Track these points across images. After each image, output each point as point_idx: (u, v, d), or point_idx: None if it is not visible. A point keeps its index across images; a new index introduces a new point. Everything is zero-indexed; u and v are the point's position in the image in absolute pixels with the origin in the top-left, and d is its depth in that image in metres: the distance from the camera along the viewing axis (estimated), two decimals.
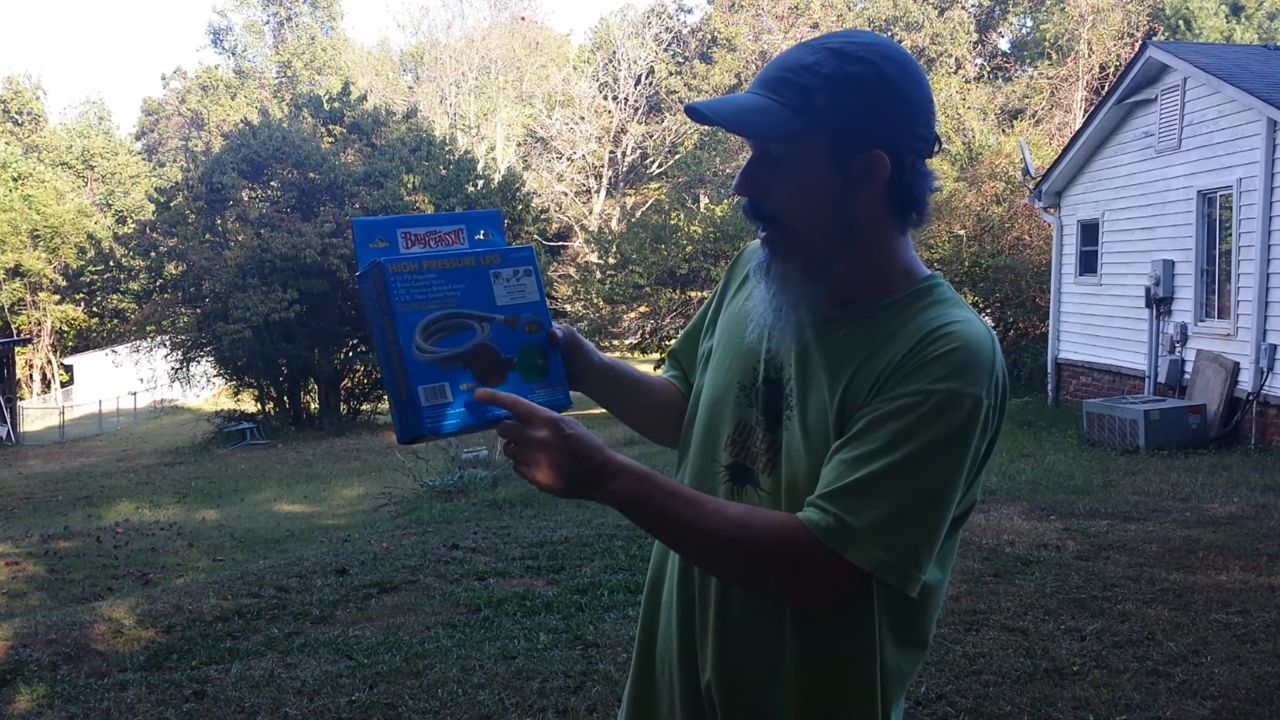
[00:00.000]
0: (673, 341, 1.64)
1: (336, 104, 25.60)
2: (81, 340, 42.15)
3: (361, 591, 5.05)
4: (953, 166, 20.68)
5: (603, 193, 39.59)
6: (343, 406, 23.88)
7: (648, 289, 22.35)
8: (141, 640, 4.35)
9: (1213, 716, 3.33)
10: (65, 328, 41.19)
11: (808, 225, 1.22)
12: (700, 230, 21.61)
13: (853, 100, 1.18)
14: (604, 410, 1.52)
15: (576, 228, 36.43)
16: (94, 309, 35.34)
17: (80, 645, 4.26)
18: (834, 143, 1.19)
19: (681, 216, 22.69)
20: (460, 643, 4.15)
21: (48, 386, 41.69)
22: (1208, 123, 10.58)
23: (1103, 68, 31.35)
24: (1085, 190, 13.12)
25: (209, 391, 29.10)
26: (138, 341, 26.95)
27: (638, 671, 1.44)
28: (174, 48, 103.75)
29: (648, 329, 22.64)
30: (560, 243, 34.57)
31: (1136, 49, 13.86)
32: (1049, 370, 13.96)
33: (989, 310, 17.72)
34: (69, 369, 41.35)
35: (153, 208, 25.75)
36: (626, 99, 38.90)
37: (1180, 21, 31.67)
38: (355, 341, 23.44)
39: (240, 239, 22.05)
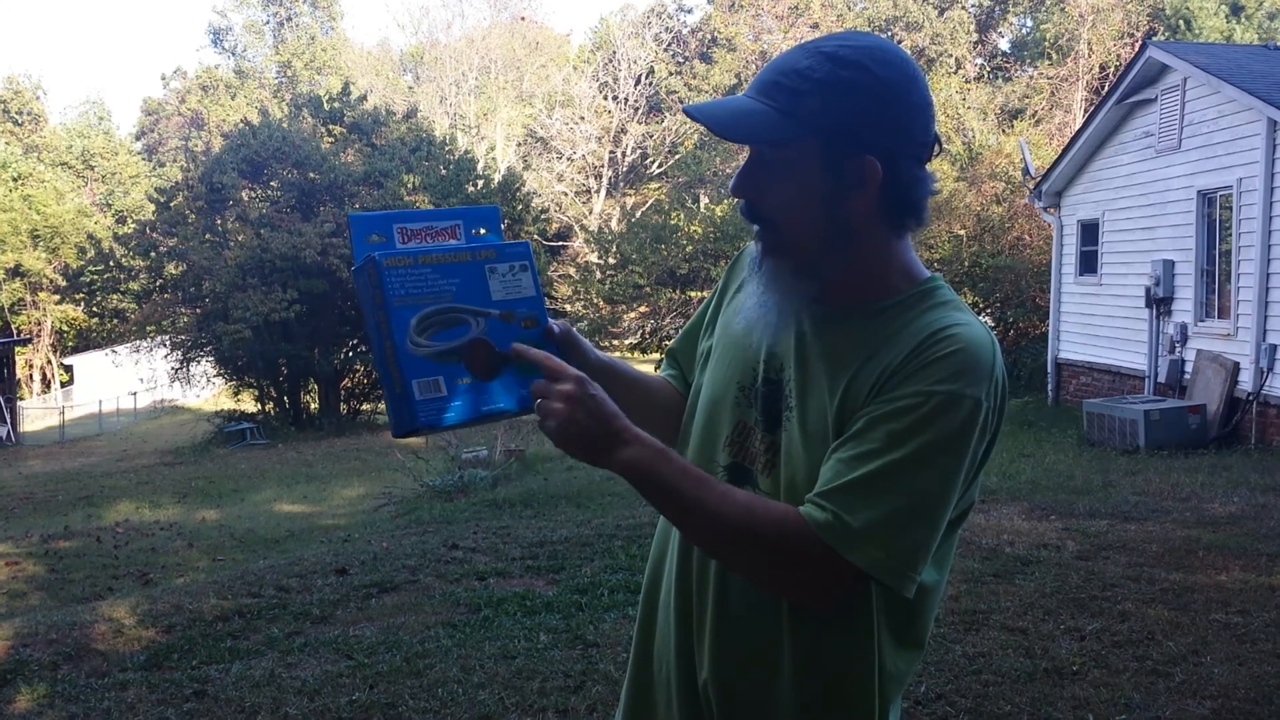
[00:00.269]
0: (672, 341, 1.63)
1: (336, 104, 25.61)
2: (81, 340, 42.16)
3: (361, 591, 5.05)
4: (953, 166, 20.68)
5: (603, 193, 39.59)
6: (343, 406, 23.88)
7: (648, 289, 22.37)
8: (142, 640, 4.35)
9: (1213, 716, 3.33)
10: (65, 328, 41.20)
11: (801, 228, 1.23)
12: (700, 230, 21.63)
13: (845, 105, 1.18)
14: None
15: (576, 228, 36.43)
16: (94, 309, 35.36)
17: (80, 645, 4.26)
18: (826, 147, 1.19)
19: (681, 216, 22.72)
20: (460, 643, 4.15)
21: (48, 386, 41.70)
22: (1208, 123, 10.58)
23: (1103, 68, 31.34)
24: (1085, 190, 13.12)
25: (209, 391, 29.10)
26: (138, 341, 26.96)
27: (635, 670, 1.44)
28: (174, 48, 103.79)
29: (648, 329, 22.66)
30: (560, 243, 34.56)
31: (1136, 49, 13.86)
32: (1049, 370, 13.96)
33: (989, 310, 17.72)
34: (69, 369, 41.36)
35: (153, 208, 25.77)
36: (626, 99, 38.90)
37: (1180, 21, 31.66)
38: (355, 341, 23.44)
39: (240, 239, 22.05)
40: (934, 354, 1.16)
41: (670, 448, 1.22)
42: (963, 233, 18.62)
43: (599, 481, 9.20)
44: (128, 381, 32.59)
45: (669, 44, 41.19)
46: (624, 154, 39.28)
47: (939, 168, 22.70)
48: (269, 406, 24.06)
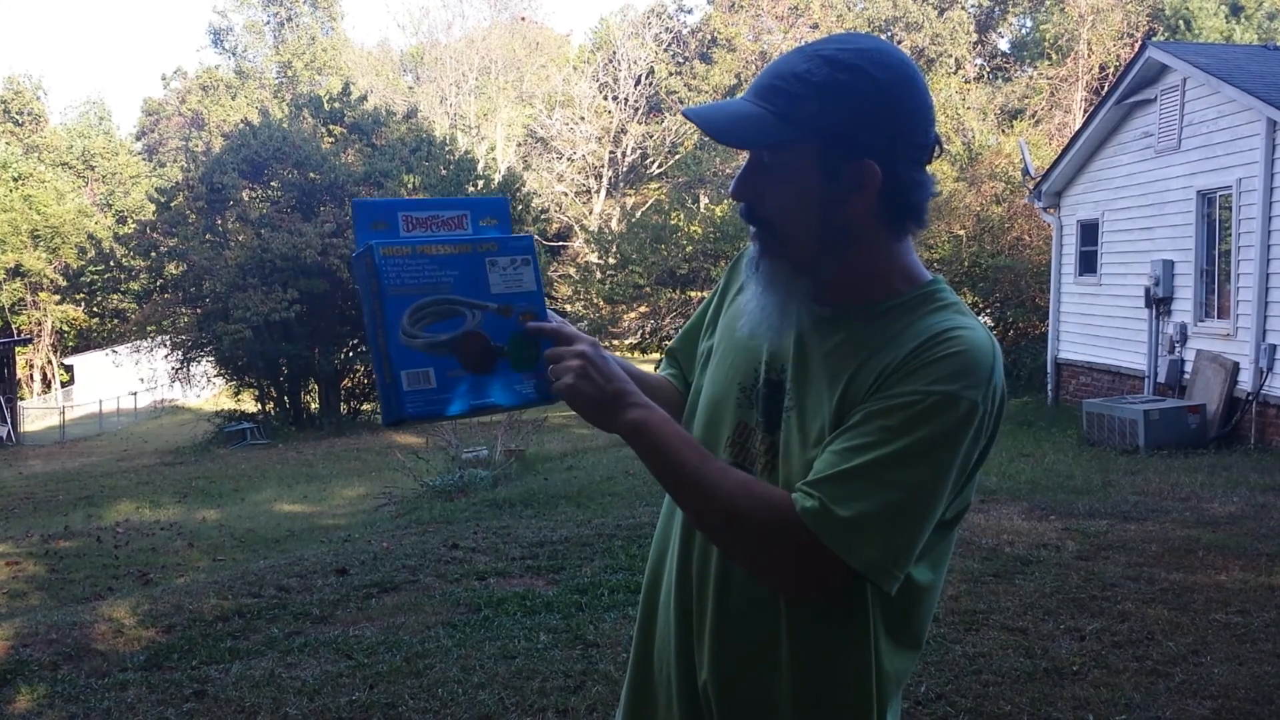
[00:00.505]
0: (671, 341, 1.63)
1: (337, 104, 25.61)
2: (82, 340, 42.16)
3: (361, 591, 5.05)
4: (952, 166, 20.69)
5: (603, 193, 39.59)
6: (343, 406, 23.88)
7: (648, 289, 22.37)
8: (142, 640, 4.35)
9: (1213, 716, 3.33)
10: (65, 328, 41.20)
11: (798, 231, 1.23)
12: (700, 230, 21.63)
13: (843, 109, 1.18)
14: None
15: (576, 228, 36.43)
16: (94, 309, 35.38)
17: (80, 645, 4.26)
18: (824, 151, 1.19)
19: (681, 216, 22.72)
20: (460, 642, 4.15)
21: (48, 386, 41.70)
22: (1207, 123, 10.58)
23: (1102, 68, 31.35)
24: (1085, 190, 13.12)
25: (209, 391, 29.10)
26: (138, 341, 26.94)
27: (635, 671, 1.44)
28: (174, 48, 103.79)
29: (648, 329, 22.66)
30: (560, 243, 34.57)
31: (1136, 49, 13.86)
32: (1049, 370, 13.96)
33: (989, 310, 17.72)
34: (69, 369, 41.37)
35: (153, 208, 25.76)
36: (626, 99, 38.90)
37: (1180, 21, 31.67)
38: (355, 341, 23.44)
39: (240, 239, 22.05)
40: (934, 354, 1.17)
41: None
42: (962, 233, 18.62)
43: (599, 481, 9.20)
44: (128, 381, 32.58)
45: (669, 44, 41.19)
46: (624, 154, 39.28)
47: (939, 168, 22.69)
48: (269, 406, 24.06)
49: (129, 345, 28.84)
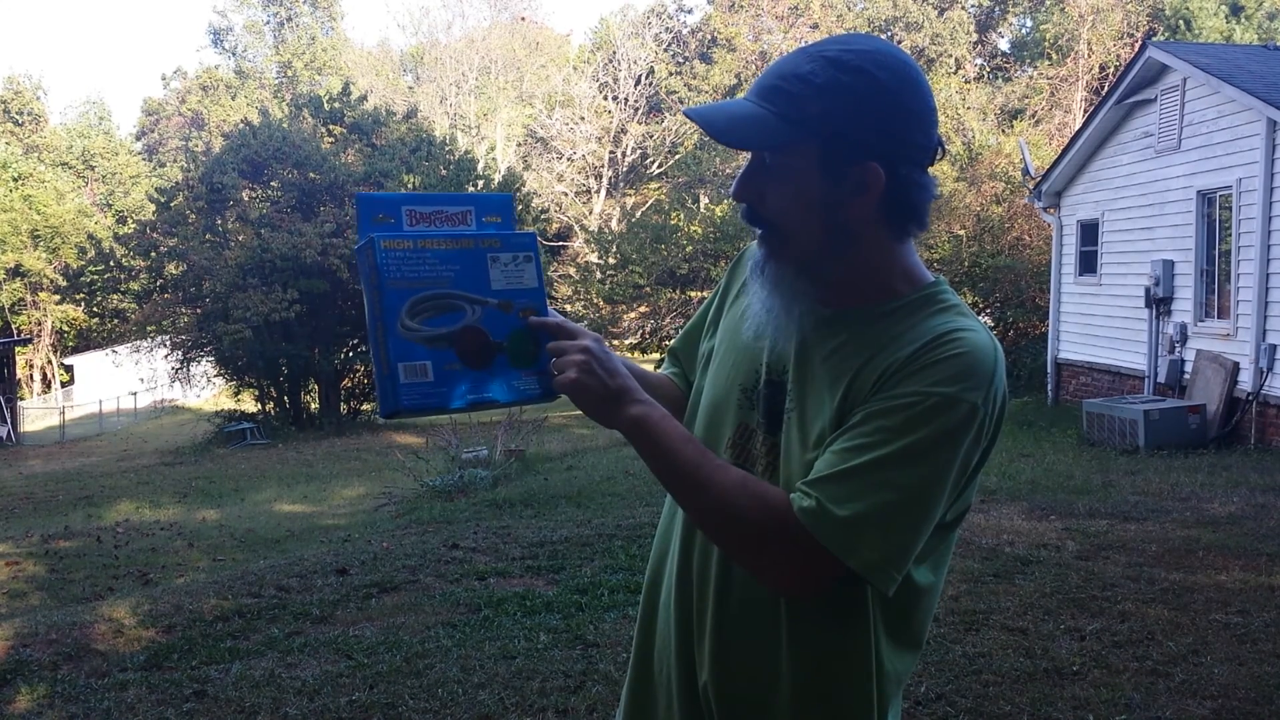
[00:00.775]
0: (673, 341, 1.63)
1: (337, 104, 25.60)
2: (82, 340, 42.17)
3: (361, 591, 5.05)
4: (953, 166, 20.68)
5: (603, 193, 39.59)
6: (343, 406, 23.88)
7: (648, 289, 22.36)
8: (142, 640, 4.35)
9: (1213, 716, 3.33)
10: (65, 328, 41.20)
11: (801, 232, 1.23)
12: (700, 230, 21.63)
13: (845, 110, 1.18)
14: None
15: (576, 228, 36.42)
16: (94, 309, 35.36)
17: (80, 645, 4.26)
18: (826, 153, 1.19)
19: (681, 216, 22.72)
20: (460, 643, 4.15)
21: (48, 386, 41.70)
22: (1207, 123, 10.58)
23: (1103, 68, 31.34)
24: (1085, 190, 13.12)
25: (209, 391, 29.09)
26: (138, 341, 26.92)
27: (636, 671, 1.44)
28: (174, 48, 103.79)
29: (648, 329, 22.65)
30: (560, 243, 34.56)
31: (1136, 49, 13.86)
32: (1049, 370, 13.96)
33: (989, 310, 17.72)
34: (69, 369, 41.37)
35: (153, 208, 25.75)
36: (626, 99, 38.90)
37: (1180, 21, 31.66)
38: (355, 341, 23.44)
39: (240, 239, 22.05)
40: (936, 356, 1.16)
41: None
42: (963, 233, 18.63)
43: (599, 481, 9.20)
44: (128, 381, 32.59)
45: (669, 44, 41.19)
46: (624, 154, 39.28)
47: (938, 168, 22.69)
48: (269, 406, 24.06)
49: (129, 345, 28.83)
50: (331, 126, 25.07)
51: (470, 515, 8.06)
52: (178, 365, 24.18)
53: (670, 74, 39.59)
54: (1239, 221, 9.98)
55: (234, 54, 53.13)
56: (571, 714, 3.42)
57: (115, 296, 30.15)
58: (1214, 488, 7.43)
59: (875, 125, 1.18)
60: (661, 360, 1.63)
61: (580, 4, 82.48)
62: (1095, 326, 12.82)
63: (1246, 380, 9.73)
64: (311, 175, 22.77)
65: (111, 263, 26.04)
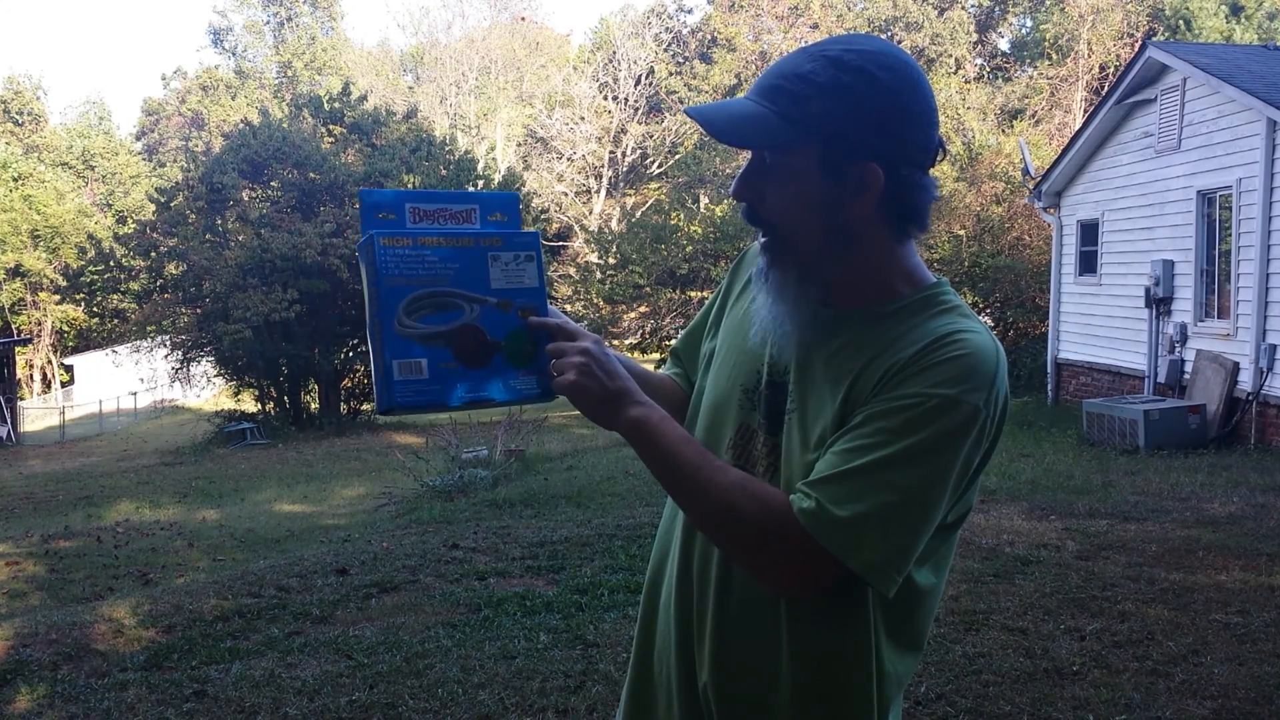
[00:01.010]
0: (673, 341, 1.64)
1: (337, 104, 25.60)
2: (82, 340, 42.17)
3: (361, 591, 5.05)
4: (953, 166, 20.68)
5: (603, 193, 39.59)
6: (343, 406, 23.88)
7: (648, 289, 22.35)
8: (142, 640, 4.35)
9: (1213, 716, 3.33)
10: (65, 328, 41.20)
11: (801, 233, 1.23)
12: (700, 230, 21.63)
13: (846, 111, 1.17)
14: None
15: (576, 228, 36.42)
16: (94, 309, 35.36)
17: (80, 645, 4.26)
18: (827, 153, 1.19)
19: (681, 216, 22.71)
20: (460, 643, 4.15)
21: (48, 386, 41.70)
22: (1207, 123, 10.58)
23: (1103, 68, 31.34)
24: (1085, 190, 13.12)
25: (209, 391, 29.09)
26: (138, 341, 26.94)
27: (635, 672, 1.44)
28: (174, 48, 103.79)
29: (648, 329, 22.64)
30: (560, 243, 34.56)
31: (1136, 49, 13.86)
32: (1049, 370, 13.96)
33: (989, 310, 17.72)
34: (69, 369, 41.37)
35: (153, 208, 25.75)
36: (626, 99, 38.90)
37: (1180, 22, 31.66)
38: (355, 341, 23.44)
39: (240, 239, 22.05)
40: (937, 357, 1.16)
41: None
42: (963, 233, 18.63)
43: (599, 481, 9.20)
44: (128, 381, 32.59)
45: (669, 44, 41.18)
46: (624, 154, 39.27)
47: (938, 168, 22.66)
48: (269, 406, 24.06)
49: (129, 345, 28.84)
50: (331, 126, 25.07)
51: (470, 515, 8.06)
52: (178, 365, 24.18)
53: (670, 74, 39.59)
54: (1239, 221, 9.98)
55: (234, 54, 53.14)
56: (571, 714, 3.42)
57: (115, 296, 30.16)
58: (1214, 488, 7.43)
59: (876, 125, 1.18)
60: (662, 360, 1.64)
61: (580, 4, 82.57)
62: (1095, 326, 12.82)
63: (1246, 380, 9.73)
64: (311, 175, 22.77)
65: (111, 263, 26.04)
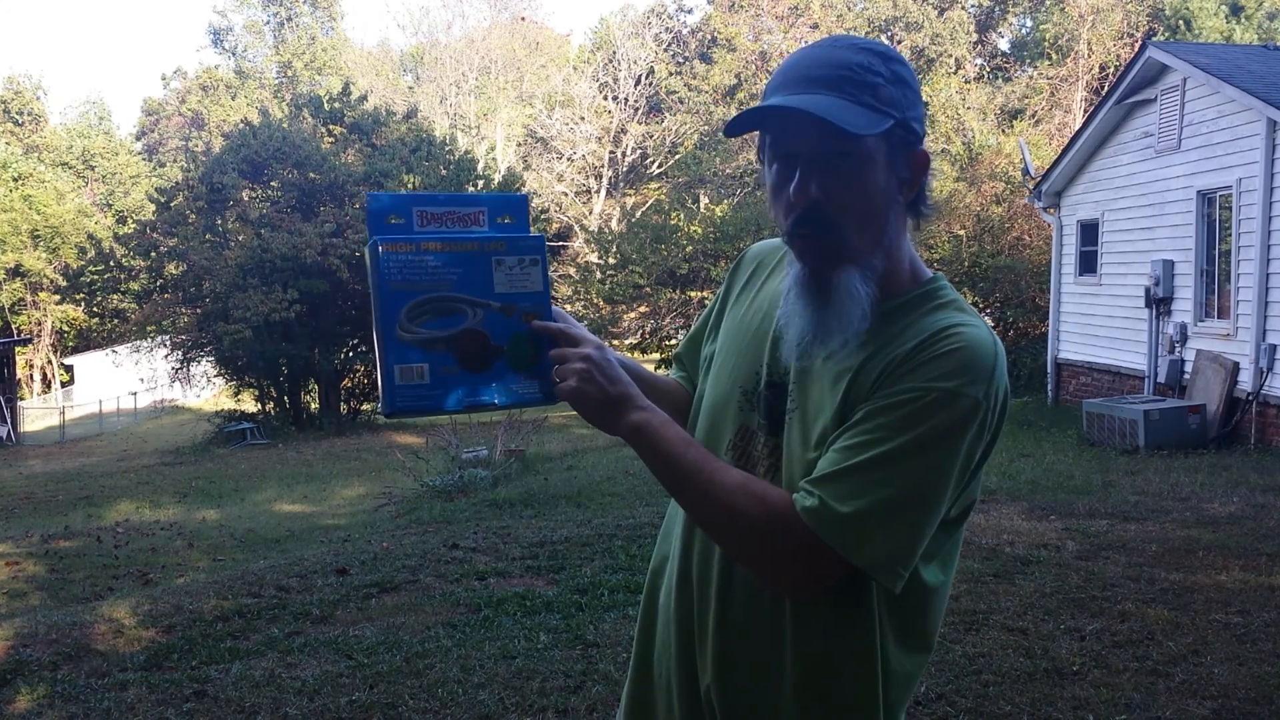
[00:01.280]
0: (674, 343, 1.62)
1: (337, 104, 25.60)
2: (82, 340, 42.16)
3: (361, 591, 5.05)
4: (953, 166, 20.69)
5: (603, 193, 39.59)
6: (343, 406, 23.88)
7: (648, 289, 22.33)
8: (142, 640, 4.35)
9: (1213, 716, 3.33)
10: (65, 328, 41.19)
11: (867, 226, 1.20)
12: (700, 230, 21.62)
13: (906, 97, 1.20)
14: None
15: (576, 228, 36.41)
16: (94, 309, 35.34)
17: (80, 645, 4.26)
18: (894, 140, 1.19)
19: (681, 216, 22.69)
20: (460, 642, 4.15)
21: (48, 386, 41.69)
22: (1207, 123, 10.58)
23: (1103, 68, 31.34)
24: (1085, 190, 13.12)
25: (209, 391, 29.09)
26: (138, 341, 26.94)
27: (635, 674, 1.44)
28: (174, 48, 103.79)
29: (648, 329, 22.61)
30: (560, 243, 34.55)
31: (1136, 49, 13.86)
32: (1049, 370, 13.96)
33: (989, 310, 17.73)
34: (69, 369, 41.36)
35: (153, 208, 25.75)
36: (626, 99, 38.91)
37: (1180, 22, 31.66)
38: (355, 341, 23.45)
39: (240, 239, 22.05)
40: (935, 351, 1.16)
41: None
42: (963, 233, 18.63)
43: (599, 481, 9.20)
44: (128, 381, 32.58)
45: (669, 44, 41.18)
46: (624, 154, 39.28)
47: (939, 168, 22.73)
48: (269, 406, 24.07)
49: (129, 345, 28.84)
50: (331, 126, 25.07)
51: (470, 515, 8.06)
52: (178, 365, 24.18)
53: (670, 74, 39.58)
54: (1239, 221, 9.98)
55: (234, 54, 53.12)
56: (571, 714, 3.42)
57: (115, 296, 30.16)
58: (1214, 488, 7.43)
59: (918, 113, 1.22)
60: (662, 361, 1.63)
61: (580, 4, 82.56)
62: (1095, 326, 12.82)
63: (1246, 380, 9.73)
64: (311, 175, 22.77)
65: (111, 263, 26.04)
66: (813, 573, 1.16)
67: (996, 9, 37.97)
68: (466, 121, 39.82)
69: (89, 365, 39.50)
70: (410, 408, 1.23)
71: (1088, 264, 13.05)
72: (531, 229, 1.34)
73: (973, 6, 37.14)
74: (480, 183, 25.12)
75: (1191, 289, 10.77)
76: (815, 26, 34.83)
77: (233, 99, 48.24)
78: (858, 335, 1.20)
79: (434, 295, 1.24)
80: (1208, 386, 10.14)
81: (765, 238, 1.45)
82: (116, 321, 35.68)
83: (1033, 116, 30.93)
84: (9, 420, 28.28)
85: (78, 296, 33.84)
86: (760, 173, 1.29)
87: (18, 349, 34.99)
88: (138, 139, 55.21)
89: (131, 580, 7.03)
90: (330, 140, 24.58)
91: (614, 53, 39.88)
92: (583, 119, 38.69)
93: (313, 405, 24.32)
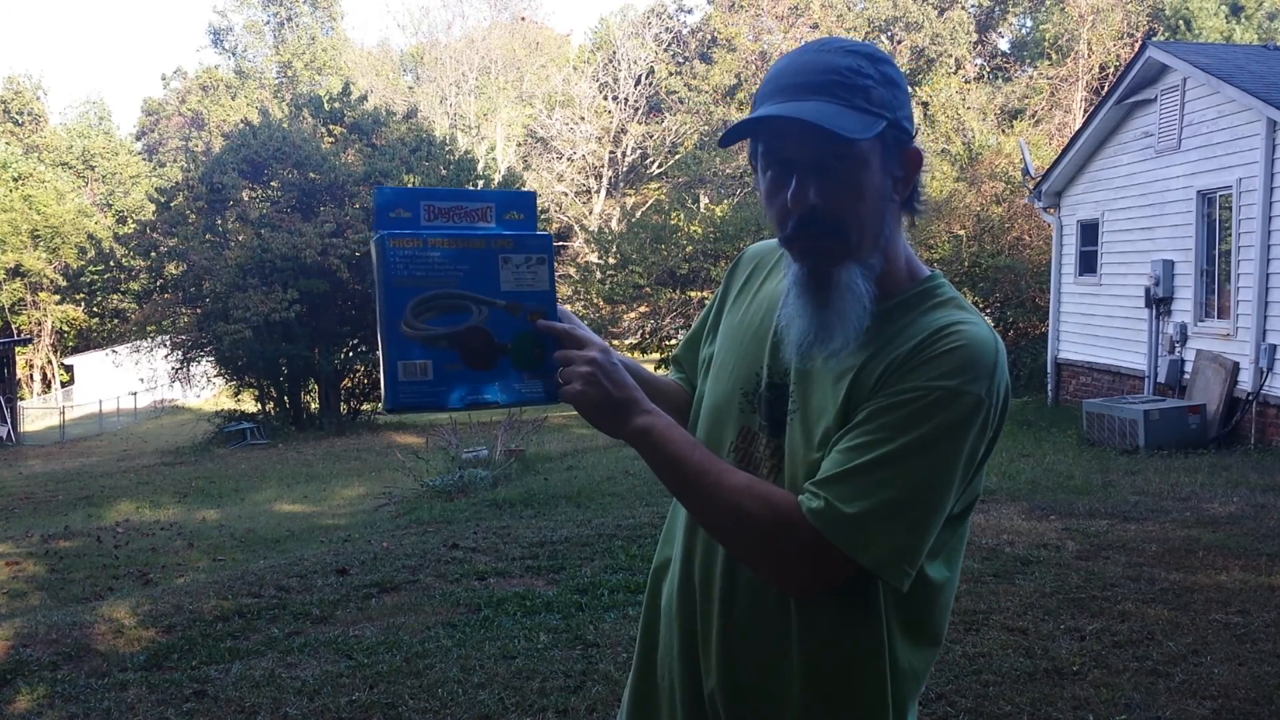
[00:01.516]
0: (674, 343, 1.61)
1: (337, 104, 25.60)
2: (82, 340, 42.16)
3: (361, 591, 5.05)
4: (953, 166, 20.69)
5: (603, 193, 39.60)
6: (343, 406, 23.88)
7: (648, 289, 22.34)
8: (142, 640, 4.35)
9: (1213, 716, 3.33)
10: (65, 328, 41.19)
11: (866, 226, 1.20)
12: (700, 230, 21.63)
13: (897, 98, 1.21)
14: None
15: (576, 228, 36.42)
16: (94, 309, 35.36)
17: (80, 645, 4.26)
18: (886, 142, 1.20)
19: (681, 216, 22.71)
20: (460, 643, 4.15)
21: (48, 386, 41.69)
22: (1207, 123, 10.58)
23: (1103, 68, 31.34)
24: (1085, 190, 13.12)
25: (209, 391, 29.09)
26: (138, 341, 26.94)
27: (637, 675, 1.44)
28: (174, 48, 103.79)
29: (648, 329, 22.62)
30: (560, 243, 34.54)
31: (1136, 49, 13.86)
32: (1049, 370, 13.96)
33: (989, 310, 17.73)
34: (69, 369, 41.36)
35: (153, 208, 25.76)
36: (626, 99, 38.91)
37: (1180, 22, 31.66)
38: (355, 341, 23.45)
39: (240, 239, 22.05)
40: (936, 350, 1.17)
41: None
42: (963, 233, 18.63)
43: (599, 481, 9.20)
44: (128, 381, 32.58)
45: (669, 44, 41.19)
46: (624, 154, 39.29)
47: (939, 168, 22.72)
48: (269, 406, 24.07)
49: (129, 345, 28.84)
50: (331, 126, 25.07)
51: (470, 515, 8.06)
52: (178, 365, 24.19)
53: (670, 74, 39.59)
54: (1239, 221, 9.98)
55: (234, 54, 53.12)
56: (571, 714, 3.42)
57: (115, 296, 30.17)
58: (1214, 488, 7.43)
59: (909, 111, 1.23)
60: (662, 361, 1.63)
61: (580, 4, 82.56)
62: (1095, 326, 12.82)
63: (1246, 380, 9.73)
64: (311, 175, 22.77)
65: (111, 263, 26.05)
66: (819, 573, 1.17)
67: (996, 9, 37.98)
68: (466, 121, 39.83)
69: (89, 365, 39.50)
70: (412, 404, 1.22)
71: (1088, 264, 13.06)
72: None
73: (973, 6, 37.15)
74: (480, 183, 25.12)
75: (1191, 289, 10.78)
76: (815, 26, 34.83)
77: (233, 99, 48.24)
78: (858, 334, 1.20)
79: (439, 292, 1.24)
80: (1208, 386, 10.14)
81: (765, 238, 1.44)
82: (116, 321, 35.70)
83: (1033, 116, 30.93)
84: (9, 420, 28.28)
85: (78, 296, 33.86)
86: (755, 178, 1.29)
87: (18, 349, 34.99)
88: (138, 139, 55.21)
89: (131, 580, 7.04)
90: (330, 140, 24.58)
91: (614, 53, 39.89)
92: (583, 119, 38.69)
93: (313, 405, 24.32)
